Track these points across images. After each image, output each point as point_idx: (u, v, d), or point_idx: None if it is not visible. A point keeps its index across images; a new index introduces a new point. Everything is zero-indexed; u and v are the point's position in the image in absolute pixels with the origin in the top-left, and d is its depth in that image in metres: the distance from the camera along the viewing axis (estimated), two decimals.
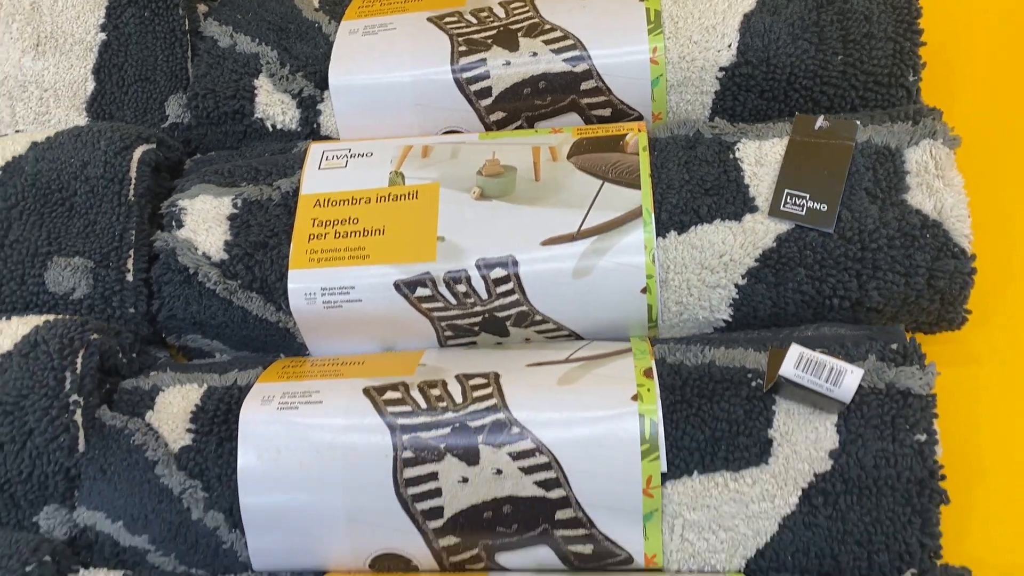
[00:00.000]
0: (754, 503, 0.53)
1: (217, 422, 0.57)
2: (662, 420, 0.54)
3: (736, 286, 0.59)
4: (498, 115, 0.69)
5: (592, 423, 0.54)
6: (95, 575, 0.56)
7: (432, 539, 0.55)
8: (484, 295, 0.61)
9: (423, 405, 0.56)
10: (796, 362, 0.52)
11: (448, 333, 0.63)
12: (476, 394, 0.56)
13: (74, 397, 0.58)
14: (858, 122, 0.61)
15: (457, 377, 0.57)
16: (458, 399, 0.56)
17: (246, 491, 0.55)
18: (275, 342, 0.65)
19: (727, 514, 0.53)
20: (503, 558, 0.55)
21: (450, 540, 0.55)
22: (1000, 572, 0.57)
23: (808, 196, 0.59)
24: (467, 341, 0.63)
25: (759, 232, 0.59)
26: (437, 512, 0.54)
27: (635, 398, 0.54)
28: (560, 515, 0.54)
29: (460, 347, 0.63)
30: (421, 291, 0.61)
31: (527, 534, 0.54)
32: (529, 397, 0.55)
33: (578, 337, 0.62)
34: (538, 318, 0.61)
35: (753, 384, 0.55)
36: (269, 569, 0.57)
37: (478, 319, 0.62)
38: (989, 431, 0.63)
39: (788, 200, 0.59)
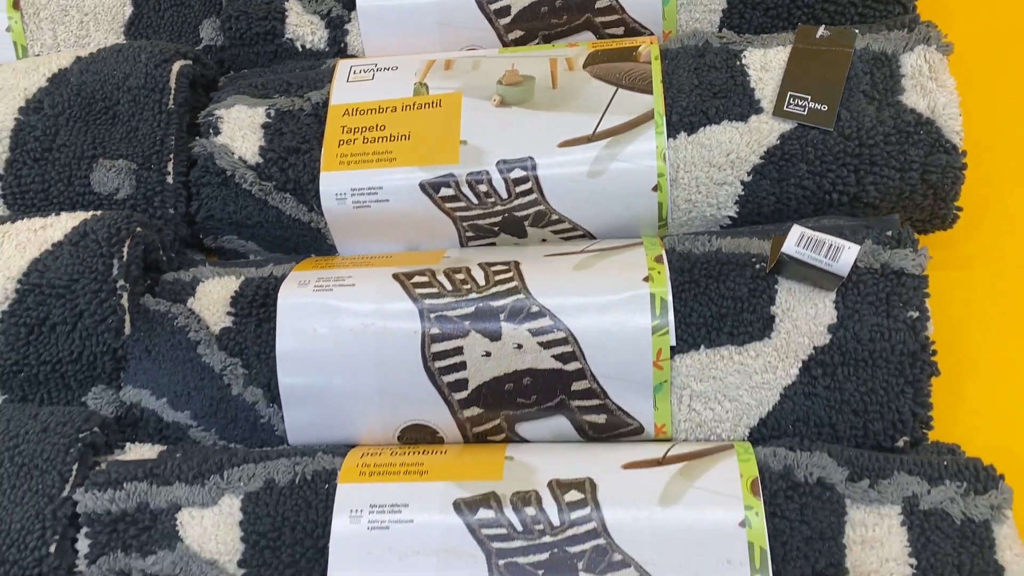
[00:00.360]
0: (757, 374, 0.57)
1: (256, 305, 0.62)
2: (671, 298, 0.57)
3: (742, 183, 0.63)
4: (516, 33, 0.73)
5: (606, 302, 0.58)
6: (140, 449, 0.61)
7: (457, 410, 0.59)
8: (504, 195, 0.65)
9: (448, 287, 0.60)
10: (798, 240, 0.56)
11: (469, 234, 0.67)
12: (498, 278, 0.60)
13: (121, 282, 0.62)
14: (857, 31, 0.65)
15: (480, 264, 0.61)
16: (481, 282, 0.60)
17: (284, 368, 0.59)
18: (306, 242, 0.69)
19: (732, 385, 0.57)
20: (522, 428, 0.59)
21: (474, 411, 0.59)
22: (985, 454, 0.61)
23: (810, 98, 0.62)
24: (487, 242, 0.67)
25: (764, 131, 0.63)
26: (462, 384, 0.58)
27: (646, 279, 0.58)
28: (576, 386, 0.58)
29: (480, 247, 0.67)
30: (445, 191, 0.65)
31: (545, 404, 0.58)
32: (548, 280, 0.59)
33: (592, 237, 0.66)
34: (555, 217, 0.65)
35: (757, 266, 0.59)
36: (304, 442, 0.61)
37: (498, 219, 0.66)
38: (979, 329, 0.67)
39: (791, 101, 0.62)
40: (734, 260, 0.59)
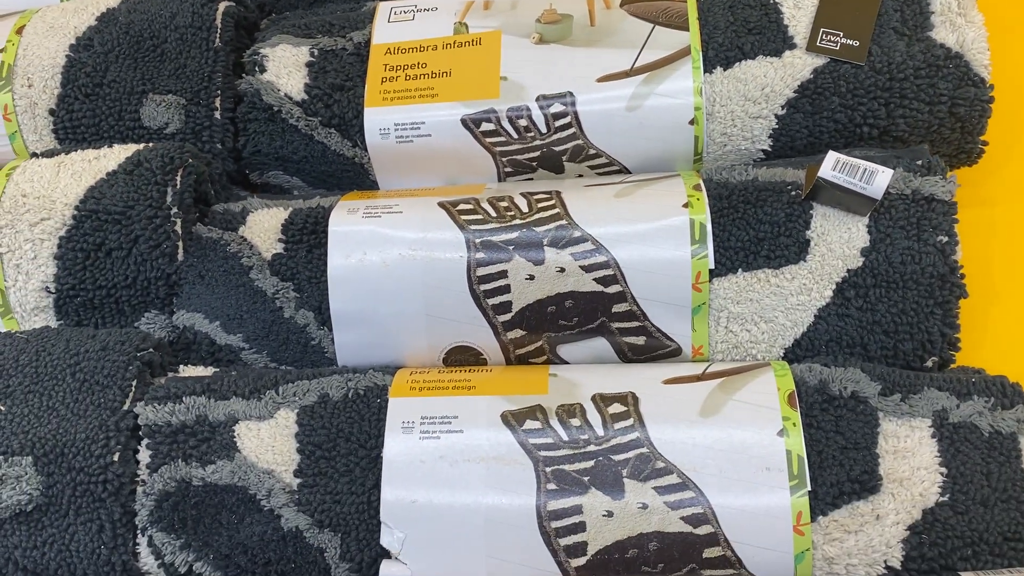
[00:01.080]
0: (792, 296, 0.59)
1: (306, 232, 0.64)
2: (710, 222, 0.60)
3: (776, 116, 0.65)
4: None
5: (647, 227, 0.60)
6: (194, 370, 0.63)
7: (501, 331, 0.61)
8: (543, 129, 0.67)
9: (493, 214, 0.62)
10: (834, 165, 0.58)
11: (508, 169, 0.69)
12: (540, 206, 0.62)
13: (175, 209, 0.64)
14: None
15: (522, 193, 0.63)
16: (524, 210, 0.62)
17: (335, 291, 0.61)
18: (349, 178, 0.72)
19: (768, 307, 0.60)
20: (564, 350, 0.62)
21: (517, 333, 0.61)
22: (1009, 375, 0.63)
23: (842, 34, 0.64)
24: (525, 178, 0.69)
25: (797, 66, 0.65)
26: (506, 307, 0.61)
27: (686, 205, 0.60)
28: (616, 308, 0.60)
29: (519, 181, 0.70)
30: (486, 126, 0.67)
31: (586, 326, 0.61)
32: (589, 208, 0.61)
33: (628, 172, 0.68)
34: (592, 152, 0.67)
35: (792, 192, 0.61)
36: (352, 364, 0.64)
37: (536, 154, 0.68)
38: (1001, 262, 0.69)
39: (824, 37, 0.64)
40: (770, 187, 0.61)
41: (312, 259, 0.63)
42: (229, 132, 0.71)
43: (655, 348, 0.61)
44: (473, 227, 0.61)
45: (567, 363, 0.62)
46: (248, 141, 0.71)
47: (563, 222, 0.61)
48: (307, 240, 0.64)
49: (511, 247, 0.60)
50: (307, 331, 0.63)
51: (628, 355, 0.62)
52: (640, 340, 0.61)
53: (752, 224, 0.60)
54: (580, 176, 0.69)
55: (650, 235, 0.60)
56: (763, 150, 0.66)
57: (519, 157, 0.68)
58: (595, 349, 0.62)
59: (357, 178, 0.72)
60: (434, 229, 0.61)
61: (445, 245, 0.61)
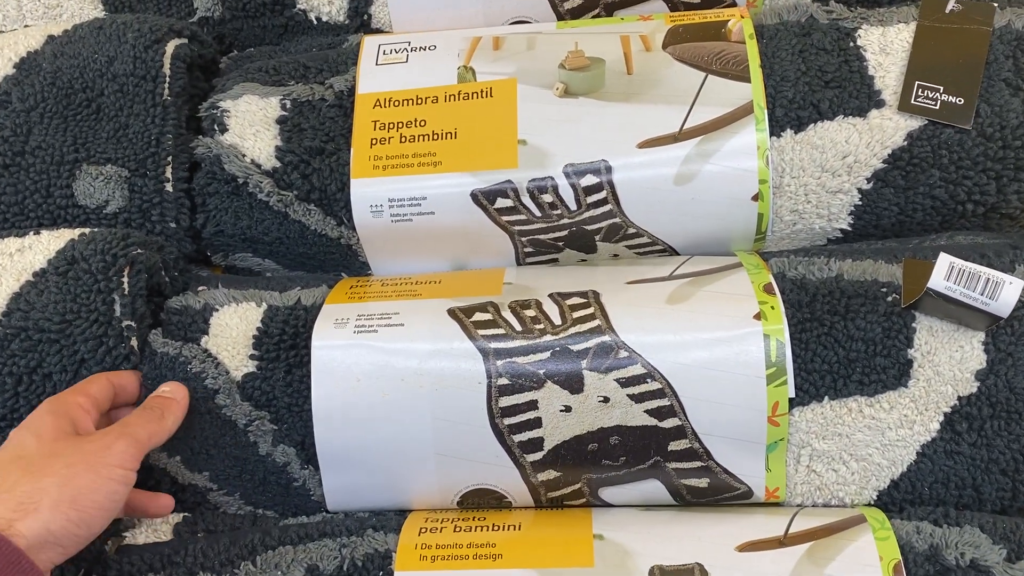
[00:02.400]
0: (891, 430, 0.48)
1: (284, 347, 0.52)
2: (789, 340, 0.48)
3: (859, 191, 0.54)
4: (573, 1, 0.62)
5: (711, 345, 0.48)
6: (151, 523, 0.52)
7: (530, 473, 0.50)
8: (573, 206, 0.55)
9: (518, 328, 0.50)
10: (947, 273, 0.46)
11: (528, 249, 0.57)
12: (576, 315, 0.50)
13: (127, 323, 0.52)
14: (995, 4, 0.54)
15: (552, 296, 0.52)
16: (556, 320, 0.50)
17: (321, 424, 0.50)
18: (334, 260, 0.59)
19: (860, 443, 0.49)
20: (607, 493, 0.51)
21: (550, 474, 0.50)
22: None
23: (942, 89, 0.52)
24: (548, 258, 0.58)
25: (887, 129, 0.53)
26: (536, 444, 0.49)
27: (758, 316, 0.49)
28: (674, 446, 0.49)
29: (541, 265, 0.58)
30: (502, 202, 0.55)
31: (636, 467, 0.50)
32: (637, 317, 0.50)
33: (673, 252, 0.57)
34: (631, 231, 0.56)
35: (889, 299, 0.49)
36: (346, 509, 0.52)
37: (564, 233, 0.56)
38: None
39: (919, 93, 0.53)
40: (861, 291, 0.50)
41: (292, 382, 0.51)
42: (184, 207, 0.59)
43: (721, 490, 0.50)
44: (494, 344, 0.50)
45: (610, 506, 0.51)
46: (208, 220, 0.59)
47: (605, 338, 0.49)
48: (285, 357, 0.52)
49: (542, 371, 0.49)
50: (288, 471, 0.52)
51: (687, 498, 0.51)
52: (702, 482, 0.50)
53: (841, 341, 0.49)
54: (615, 256, 0.57)
55: (715, 357, 0.48)
56: (841, 230, 0.55)
57: (543, 236, 0.56)
58: (646, 492, 0.51)
59: (344, 259, 0.59)
60: (445, 348, 0.50)
61: (459, 368, 0.49)
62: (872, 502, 0.50)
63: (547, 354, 0.49)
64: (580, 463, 0.50)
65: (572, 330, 0.50)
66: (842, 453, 0.49)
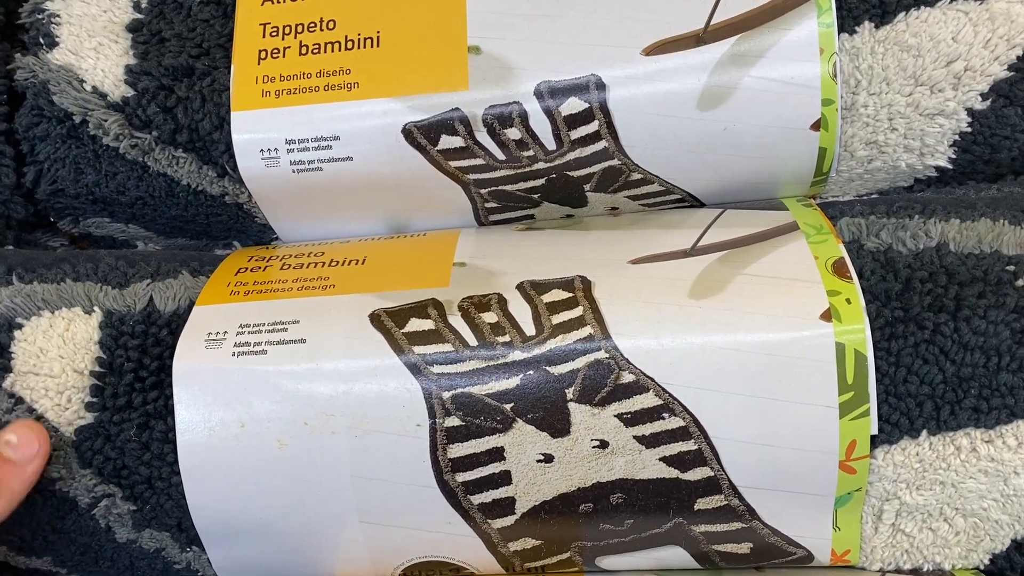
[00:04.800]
0: (1017, 476, 0.34)
1: (136, 381, 0.36)
2: (872, 352, 0.33)
3: (970, 112, 0.37)
4: None
5: (757, 360, 0.33)
6: None
7: (498, 542, 0.36)
8: (551, 144, 0.39)
9: (472, 341, 0.35)
10: None
11: (491, 204, 0.41)
12: (557, 319, 0.35)
13: None
14: None
15: (522, 289, 0.36)
16: (528, 329, 0.35)
17: (196, 490, 0.35)
18: (223, 224, 0.43)
19: (972, 493, 0.34)
20: (608, 562, 0.37)
21: (526, 543, 0.36)
22: None
23: None
24: (521, 215, 0.42)
25: (1018, 19, 0.36)
26: (505, 507, 0.35)
27: (827, 316, 0.33)
28: (703, 504, 0.34)
29: (511, 227, 0.42)
30: (448, 140, 0.39)
31: (649, 532, 0.35)
32: (646, 320, 0.34)
33: (695, 202, 0.41)
34: (636, 177, 0.39)
35: (1020, 283, 0.34)
36: None
37: (540, 182, 0.40)
38: None
39: None
40: (977, 272, 0.34)
41: (152, 441, 0.36)
42: (6, 158, 0.42)
43: (768, 555, 0.36)
44: (438, 368, 0.34)
45: (612, 573, 0.37)
46: (41, 175, 0.42)
47: (600, 354, 0.34)
48: (140, 403, 0.36)
49: (508, 406, 0.34)
50: (164, 556, 0.37)
51: (719, 564, 0.37)
52: (743, 548, 0.36)
53: (950, 351, 0.33)
54: (614, 211, 0.41)
55: (763, 379, 0.33)
56: (937, 168, 0.39)
57: (510, 188, 0.40)
58: (662, 560, 0.36)
59: (236, 223, 0.43)
60: (366, 373, 0.34)
61: (388, 405, 0.34)
62: (983, 567, 0.36)
63: (516, 379, 0.34)
64: (569, 528, 0.35)
65: (552, 343, 0.34)
66: (944, 507, 0.34)
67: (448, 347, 0.34)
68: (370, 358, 0.34)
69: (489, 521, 0.35)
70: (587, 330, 0.34)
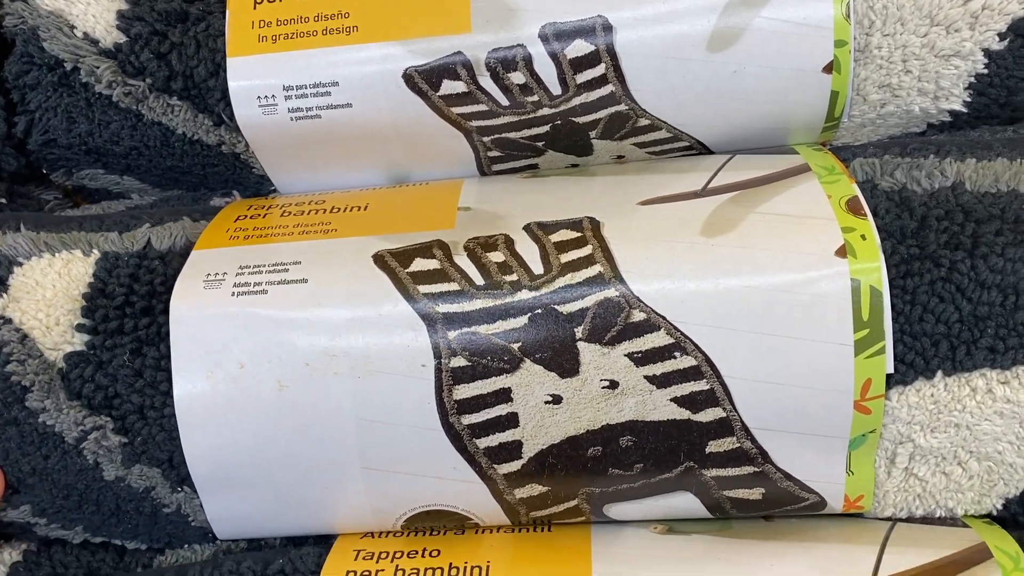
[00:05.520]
0: None
1: (131, 313, 0.35)
2: (888, 289, 0.33)
3: (987, 52, 0.37)
4: None
5: (769, 298, 0.33)
6: None
7: (504, 489, 0.35)
8: (556, 89, 0.38)
9: (479, 281, 0.34)
10: None
11: (494, 153, 0.40)
12: (566, 257, 0.34)
13: None
14: None
15: (529, 230, 0.35)
16: (536, 267, 0.34)
17: (191, 433, 0.34)
18: (220, 176, 0.42)
19: (987, 435, 0.33)
20: (616, 510, 0.36)
21: (533, 489, 0.35)
22: None
23: None
24: (525, 164, 0.41)
25: None
26: (512, 451, 0.34)
27: (842, 252, 0.33)
28: (715, 447, 0.34)
29: (515, 175, 0.41)
30: (450, 86, 0.38)
31: (659, 477, 0.35)
32: (657, 259, 0.33)
33: (704, 149, 0.40)
34: (643, 123, 0.39)
35: None
36: (244, 536, 0.38)
37: (544, 128, 0.39)
38: None
39: None
40: (994, 210, 0.33)
41: (144, 368, 0.35)
42: None
43: (780, 502, 0.35)
44: (443, 307, 0.34)
45: (619, 522, 0.37)
46: (33, 124, 0.41)
47: (611, 292, 0.33)
48: (132, 329, 0.35)
49: (516, 345, 0.33)
50: (153, 496, 0.36)
51: (731, 512, 0.36)
52: (755, 493, 0.35)
53: (966, 289, 0.33)
54: (620, 159, 0.41)
55: (777, 316, 0.32)
56: (951, 112, 0.38)
57: (514, 136, 0.40)
58: (671, 507, 0.36)
59: (233, 175, 0.42)
60: (371, 315, 0.34)
61: (393, 346, 0.33)
62: (996, 512, 0.35)
63: (523, 319, 0.33)
64: (576, 472, 0.35)
65: (560, 281, 0.33)
66: (958, 450, 0.34)
67: (454, 286, 0.34)
68: (374, 298, 0.34)
69: (495, 466, 0.34)
70: (596, 268, 0.33)
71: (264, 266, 0.35)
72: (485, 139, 0.40)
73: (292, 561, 0.35)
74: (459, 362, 0.33)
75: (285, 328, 0.34)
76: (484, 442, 0.34)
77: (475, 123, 0.39)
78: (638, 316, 0.33)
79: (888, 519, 0.36)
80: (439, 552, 0.36)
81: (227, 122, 0.40)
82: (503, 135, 0.40)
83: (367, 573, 0.35)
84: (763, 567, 0.35)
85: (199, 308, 0.34)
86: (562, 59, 0.38)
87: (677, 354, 0.33)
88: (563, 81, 0.38)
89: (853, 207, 0.34)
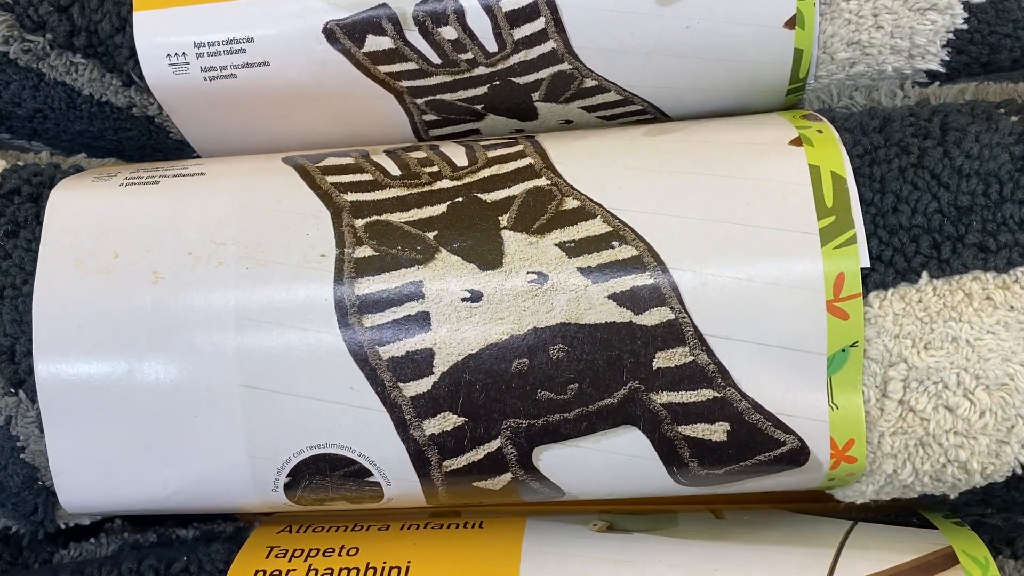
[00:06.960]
0: None
1: (19, 201, 0.39)
2: (853, 177, 0.37)
3: (967, 6, 0.44)
4: None
5: (723, 184, 0.37)
6: None
7: (410, 420, 0.36)
8: (491, 45, 0.45)
9: (395, 172, 0.38)
10: None
11: (430, 116, 0.46)
12: (494, 154, 0.39)
13: None
14: None
15: (461, 142, 0.40)
16: (460, 160, 0.39)
17: (45, 326, 0.37)
18: (135, 141, 0.48)
19: (993, 354, 0.36)
20: (549, 455, 0.37)
21: (445, 422, 0.36)
22: None
23: None
24: (465, 129, 0.47)
25: None
26: (420, 363, 0.36)
27: (797, 143, 0.38)
28: (664, 360, 0.36)
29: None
30: (375, 42, 0.45)
31: (598, 403, 0.36)
32: (592, 152, 0.38)
33: (658, 113, 0.46)
34: (590, 84, 0.45)
35: (1014, 119, 0.39)
36: (90, 508, 0.38)
37: (482, 90, 0.45)
38: None
39: None
40: (963, 108, 0.39)
41: (16, 248, 0.38)
42: None
43: (750, 449, 0.37)
44: (352, 196, 0.38)
45: (555, 486, 0.38)
46: None
47: (541, 179, 0.37)
48: (12, 211, 0.39)
49: (431, 233, 0.37)
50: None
51: (688, 462, 0.37)
52: (716, 431, 0.37)
53: (941, 175, 0.37)
54: (568, 123, 0.47)
55: (728, 201, 0.36)
56: (927, 72, 0.45)
57: (448, 98, 0.46)
58: (615, 450, 0.37)
59: (148, 139, 0.48)
60: (268, 203, 0.38)
61: (287, 231, 0.37)
62: (1020, 466, 0.36)
63: (442, 207, 0.37)
64: (499, 397, 0.36)
65: (486, 172, 0.38)
66: (961, 374, 0.36)
67: (367, 177, 0.38)
68: (273, 186, 0.38)
69: (400, 385, 0.36)
70: (526, 161, 0.38)
71: (160, 168, 0.40)
72: (418, 101, 0.46)
73: (199, 559, 0.37)
74: (365, 252, 0.37)
75: (169, 212, 0.38)
76: (388, 350, 0.36)
77: (405, 83, 0.46)
78: (571, 204, 0.37)
79: (863, 507, 0.37)
80: (358, 550, 0.37)
81: (137, 82, 0.46)
82: (437, 97, 0.46)
83: (277, 573, 0.36)
84: (706, 571, 0.36)
85: (81, 196, 0.38)
86: (497, 12, 0.44)
87: (615, 243, 0.36)
88: (499, 36, 0.45)
89: (808, 116, 0.40)
